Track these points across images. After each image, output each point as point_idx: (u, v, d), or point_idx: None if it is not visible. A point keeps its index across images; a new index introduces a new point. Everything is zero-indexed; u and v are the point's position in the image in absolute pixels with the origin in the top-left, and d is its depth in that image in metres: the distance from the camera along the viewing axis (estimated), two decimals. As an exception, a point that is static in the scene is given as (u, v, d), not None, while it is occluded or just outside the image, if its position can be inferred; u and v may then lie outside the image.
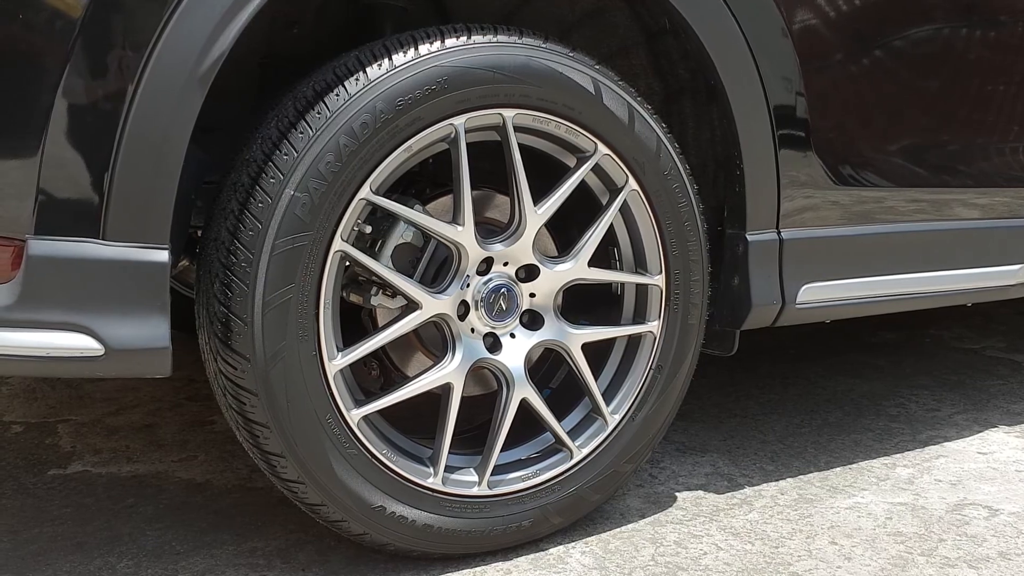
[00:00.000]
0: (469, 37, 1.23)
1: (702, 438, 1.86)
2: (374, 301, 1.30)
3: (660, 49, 1.53)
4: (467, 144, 1.24)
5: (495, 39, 1.24)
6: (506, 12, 1.55)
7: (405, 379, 1.31)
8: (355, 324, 1.35)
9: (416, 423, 1.37)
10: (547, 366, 1.48)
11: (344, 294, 1.30)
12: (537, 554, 1.37)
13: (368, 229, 1.25)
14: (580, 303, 1.44)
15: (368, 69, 1.18)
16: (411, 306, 1.27)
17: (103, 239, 1.08)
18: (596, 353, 1.42)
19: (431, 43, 1.21)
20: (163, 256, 1.10)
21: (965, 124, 1.68)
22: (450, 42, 1.22)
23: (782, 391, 2.15)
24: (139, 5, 1.06)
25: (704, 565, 1.35)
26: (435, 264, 1.33)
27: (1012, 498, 1.59)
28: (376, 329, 1.30)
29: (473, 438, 1.40)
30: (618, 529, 1.45)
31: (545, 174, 1.36)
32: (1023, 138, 1.76)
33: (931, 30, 1.59)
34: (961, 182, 1.72)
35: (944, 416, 2.01)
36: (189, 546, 1.41)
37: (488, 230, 1.34)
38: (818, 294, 1.59)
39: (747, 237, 1.49)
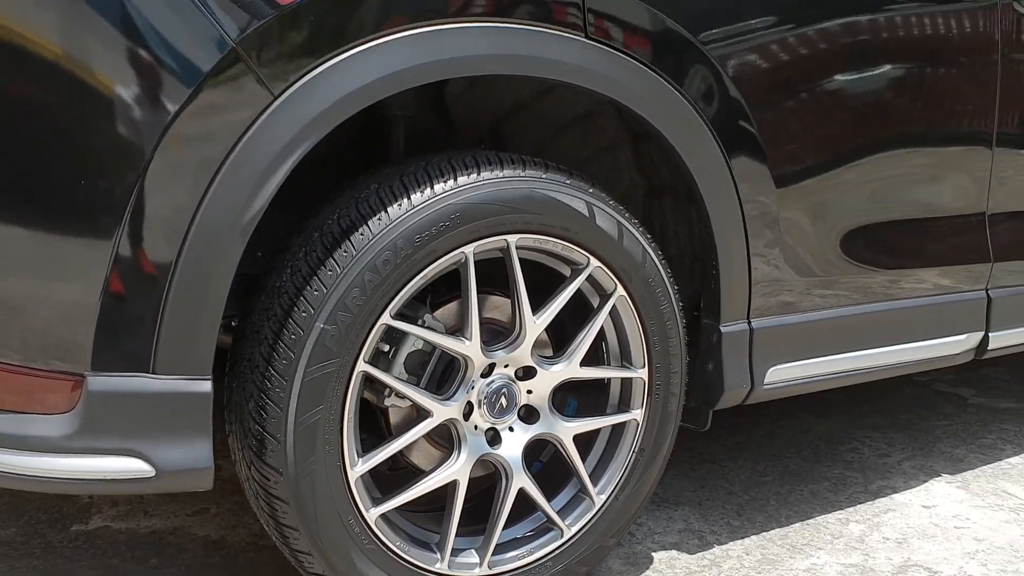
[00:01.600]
0: (479, 173, 1.36)
1: (675, 488, 2.03)
2: (387, 402, 1.43)
3: (644, 149, 1.67)
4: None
5: (502, 174, 1.37)
6: (503, 114, 1.67)
7: (416, 472, 1.46)
8: (368, 415, 1.49)
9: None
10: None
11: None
12: (531, 623, 1.53)
13: (386, 348, 1.39)
14: (572, 384, 1.59)
15: (389, 209, 1.30)
16: (423, 413, 1.41)
17: (153, 373, 1.20)
18: (584, 437, 1.58)
19: (445, 181, 1.33)
20: (206, 387, 1.23)
21: (911, 220, 1.85)
22: (462, 180, 1.34)
23: (747, 432, 2.33)
24: (189, 169, 1.17)
25: (679, 634, 1.52)
26: (442, 364, 1.46)
27: (950, 558, 1.78)
28: (388, 427, 1.45)
29: (469, 512, 1.54)
30: (600, 596, 1.63)
31: (542, 278, 1.50)
32: (963, 221, 1.93)
33: (873, 147, 1.74)
34: (909, 264, 1.89)
35: (894, 463, 2.20)
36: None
37: (490, 331, 1.48)
38: (783, 374, 1.75)
39: (721, 328, 1.65)
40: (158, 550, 1.76)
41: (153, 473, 1.22)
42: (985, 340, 2.03)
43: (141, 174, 1.14)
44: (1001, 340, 2.06)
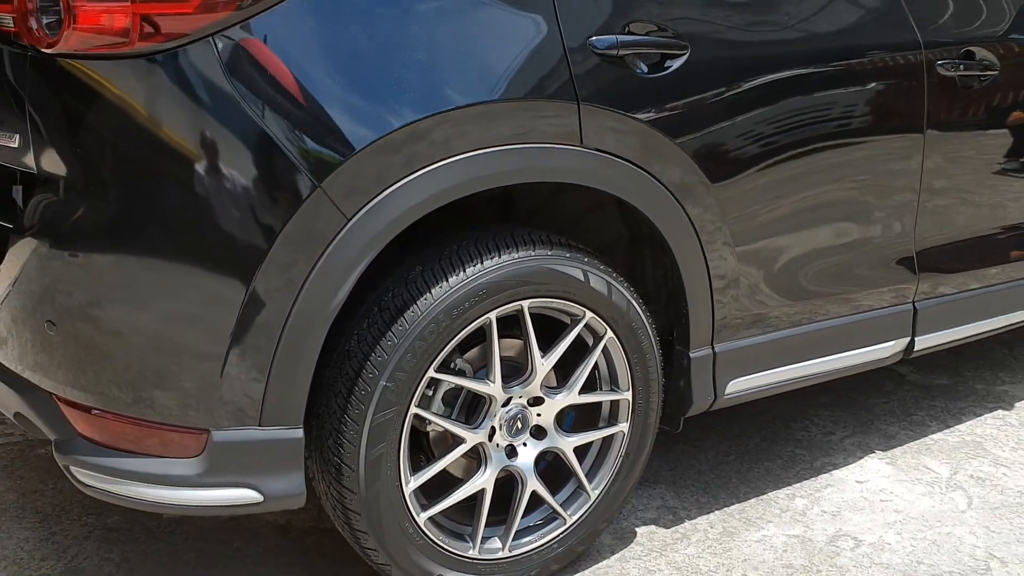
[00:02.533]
0: (500, 256, 1.73)
1: (654, 467, 2.46)
2: (429, 428, 1.84)
3: (628, 208, 2.02)
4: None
5: (517, 254, 1.75)
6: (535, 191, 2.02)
7: (451, 478, 1.87)
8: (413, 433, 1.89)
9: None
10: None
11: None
12: (542, 591, 1.97)
13: (430, 392, 1.78)
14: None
15: (432, 289, 1.68)
16: (457, 438, 1.81)
17: (260, 426, 1.60)
18: (582, 446, 1.99)
19: (473, 264, 1.71)
20: (299, 434, 1.62)
21: (849, 259, 2.23)
22: (487, 262, 1.72)
23: (715, 413, 2.75)
24: (289, 273, 1.53)
25: (656, 597, 1.97)
26: (470, 396, 1.86)
27: (873, 528, 2.22)
28: (429, 445, 1.85)
29: (491, 505, 1.95)
30: (595, 566, 2.06)
31: (546, 320, 1.89)
32: (893, 253, 2.32)
33: (816, 207, 2.11)
34: (842, 291, 2.27)
35: (836, 440, 2.64)
36: (291, 588, 1.98)
37: (507, 366, 1.87)
38: (740, 386, 2.16)
39: (690, 354, 2.05)
40: (237, 535, 2.17)
41: (262, 499, 1.62)
42: (911, 344, 2.45)
43: (254, 275, 1.51)
44: (924, 343, 2.48)
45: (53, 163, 1.53)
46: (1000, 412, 2.84)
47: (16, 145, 1.56)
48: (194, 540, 2.15)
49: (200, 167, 1.49)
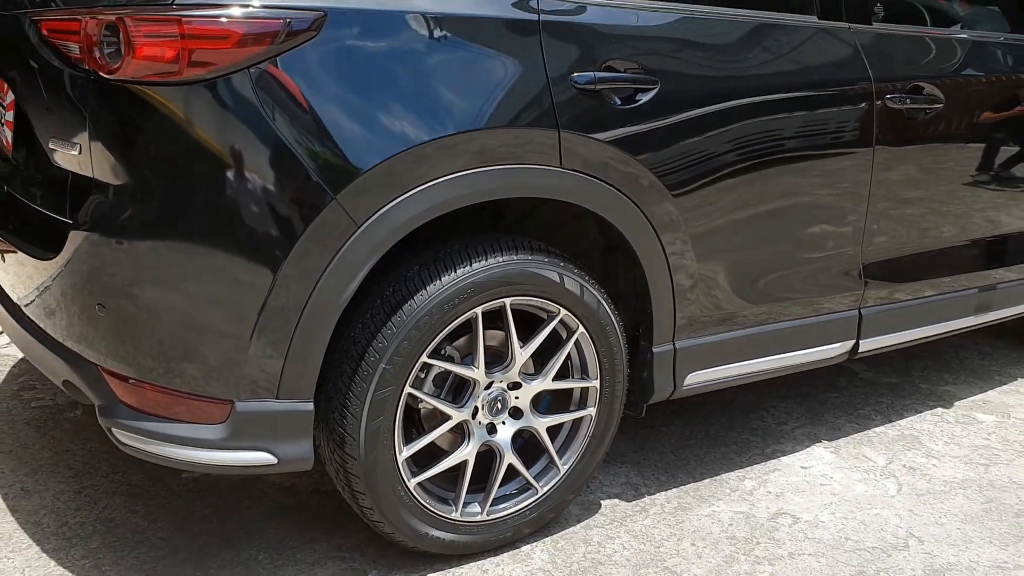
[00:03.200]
0: (487, 259, 2.00)
1: (621, 449, 2.74)
2: (420, 406, 2.11)
3: (603, 221, 2.28)
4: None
5: (502, 258, 2.02)
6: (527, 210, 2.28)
7: (438, 449, 2.15)
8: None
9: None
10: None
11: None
12: (514, 552, 2.25)
13: (423, 375, 2.05)
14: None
15: (428, 286, 1.95)
16: (444, 415, 2.09)
17: (277, 398, 1.87)
18: (554, 425, 2.27)
19: (464, 266, 1.98)
20: (310, 406, 1.90)
21: (801, 268, 2.51)
22: (476, 264, 1.99)
23: (681, 401, 3.03)
24: (307, 270, 1.79)
25: (615, 560, 2.25)
26: (457, 379, 2.13)
27: (810, 508, 2.51)
28: (420, 419, 2.13)
29: (476, 473, 2.23)
30: (563, 532, 2.34)
31: (527, 319, 2.16)
32: (842, 263, 2.59)
33: (771, 222, 2.39)
34: (794, 296, 2.55)
35: (788, 430, 2.92)
36: (297, 541, 2.26)
37: (490, 354, 2.14)
38: (698, 378, 2.44)
39: (653, 349, 2.32)
40: (247, 494, 2.45)
41: (276, 462, 1.90)
42: (856, 346, 2.73)
43: (278, 270, 1.78)
44: (868, 345, 2.76)
45: (108, 169, 1.79)
46: (939, 410, 3.12)
47: (77, 153, 1.82)
48: (209, 497, 2.43)
49: (234, 176, 1.75)
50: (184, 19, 1.69)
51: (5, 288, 2.24)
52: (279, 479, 2.51)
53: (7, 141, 2.13)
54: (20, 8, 1.93)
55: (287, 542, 2.26)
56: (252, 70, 1.72)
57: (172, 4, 1.70)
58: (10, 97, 2.09)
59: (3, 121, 2.15)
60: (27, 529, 2.27)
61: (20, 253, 2.03)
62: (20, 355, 3.22)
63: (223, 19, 1.70)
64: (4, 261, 2.12)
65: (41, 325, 2.04)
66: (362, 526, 2.28)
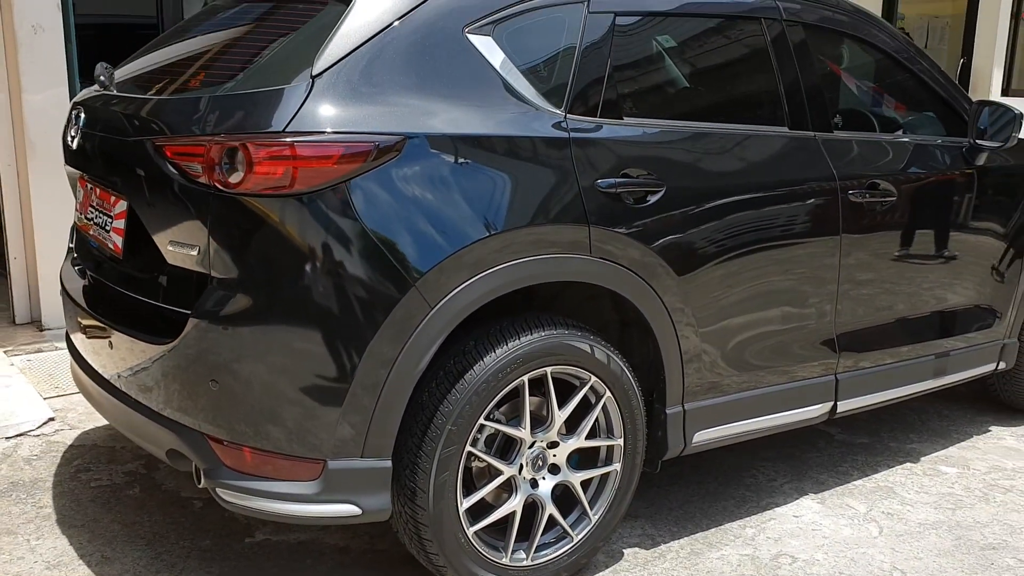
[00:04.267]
0: (532, 333, 2.37)
1: (634, 506, 3.06)
2: (472, 464, 2.44)
3: (618, 299, 2.67)
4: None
5: (543, 332, 2.39)
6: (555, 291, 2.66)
7: (487, 509, 2.46)
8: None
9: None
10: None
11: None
12: (555, 593, 2.56)
13: (478, 436, 2.39)
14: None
15: (485, 358, 2.30)
16: (495, 471, 2.42)
17: (362, 457, 2.19)
18: (586, 480, 2.60)
19: (513, 340, 2.34)
20: (389, 464, 2.22)
21: (786, 340, 2.92)
22: (524, 338, 2.35)
23: (681, 464, 3.38)
24: (389, 347, 2.15)
25: (642, 597, 2.56)
26: (505, 438, 2.47)
27: (806, 549, 2.86)
28: (472, 475, 2.45)
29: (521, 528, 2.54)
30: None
31: (558, 386, 2.52)
32: (818, 336, 3.01)
33: (758, 303, 2.81)
34: (781, 364, 2.95)
35: (778, 486, 3.28)
36: (361, 592, 2.54)
37: (533, 417, 2.48)
38: (705, 436, 2.81)
39: (666, 411, 2.69)
40: (307, 555, 2.73)
41: (360, 512, 2.21)
42: (835, 407, 3.13)
43: (366, 348, 2.12)
44: (845, 406, 3.16)
45: (224, 267, 2.15)
46: (908, 464, 3.51)
47: (196, 253, 2.18)
48: (275, 558, 2.70)
49: (333, 271, 2.12)
50: (295, 143, 2.08)
51: (101, 370, 2.54)
52: (334, 541, 2.79)
53: (116, 246, 2.47)
54: (144, 136, 2.30)
55: (352, 593, 2.54)
56: (348, 183, 2.11)
57: (284, 131, 2.09)
58: (119, 208, 2.44)
59: (110, 229, 2.49)
60: (116, 590, 2.52)
61: (130, 339, 2.35)
62: (70, 442, 3.47)
63: (328, 142, 2.09)
64: (112, 348, 2.43)
65: (144, 401, 2.35)
66: (416, 574, 2.57)
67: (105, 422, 3.64)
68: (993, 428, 3.90)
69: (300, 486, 2.19)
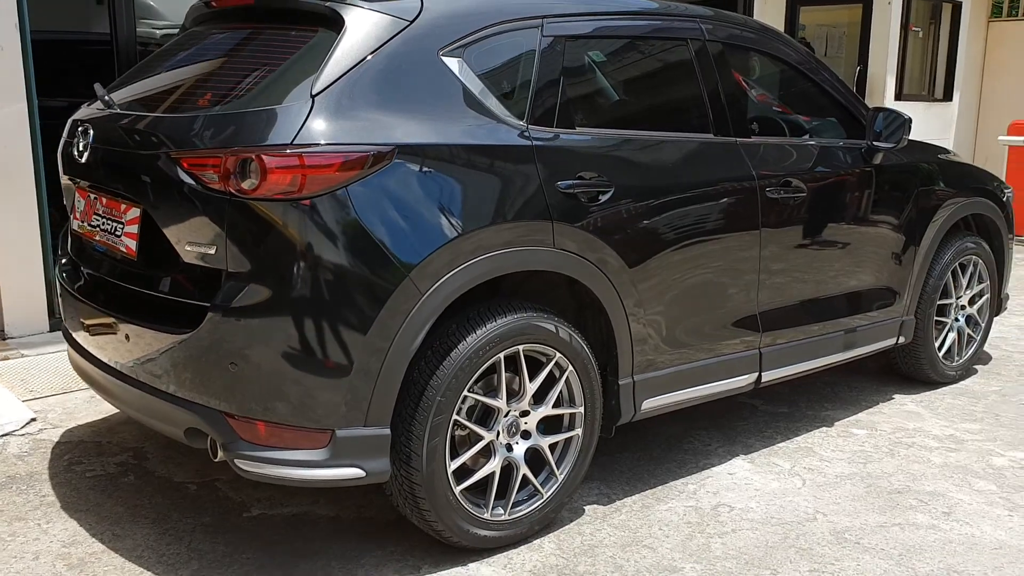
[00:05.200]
0: (505, 316, 2.73)
1: (589, 472, 3.44)
2: (456, 432, 2.78)
3: (575, 286, 3.05)
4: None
5: (515, 316, 2.75)
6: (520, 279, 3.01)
7: (468, 472, 2.81)
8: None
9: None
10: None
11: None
12: (528, 544, 2.91)
13: (462, 406, 2.73)
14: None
15: (467, 337, 2.65)
16: (475, 436, 2.77)
17: (365, 426, 2.51)
18: (553, 443, 2.97)
19: (490, 322, 2.69)
20: (388, 431, 2.55)
21: (718, 318, 3.35)
22: (500, 320, 2.71)
23: (626, 435, 3.78)
24: (386, 330, 2.47)
25: (605, 544, 2.94)
26: (484, 408, 2.81)
27: (741, 499, 3.28)
28: (454, 442, 2.78)
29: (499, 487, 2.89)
30: (561, 528, 3.02)
31: (531, 363, 2.88)
32: (744, 314, 3.45)
33: (696, 287, 3.23)
34: (715, 339, 3.37)
35: (713, 450, 3.71)
36: (357, 552, 2.85)
37: (507, 388, 2.83)
38: (652, 404, 3.21)
39: (619, 382, 3.08)
40: (302, 524, 3.02)
41: (364, 475, 2.53)
42: (759, 378, 3.57)
43: (368, 330, 2.45)
44: (768, 376, 3.61)
45: (240, 263, 2.44)
46: (824, 428, 3.99)
47: (213, 252, 2.46)
48: (273, 529, 2.99)
49: (338, 262, 2.43)
50: (304, 154, 2.39)
51: (112, 362, 2.80)
52: (326, 511, 3.09)
53: (129, 248, 2.73)
54: (160, 149, 2.57)
55: (349, 554, 2.85)
56: (348, 188, 2.43)
57: (292, 143, 2.40)
58: (131, 215, 2.71)
59: (121, 234, 2.75)
60: (133, 560, 2.78)
61: (148, 331, 2.62)
62: (56, 439, 3.68)
63: (329, 152, 2.41)
64: (129, 341, 2.69)
65: (161, 386, 2.62)
66: (405, 538, 2.90)
67: (87, 420, 3.87)
68: (896, 396, 4.42)
69: (311, 453, 2.50)
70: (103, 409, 3.98)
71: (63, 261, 3.25)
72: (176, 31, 3.41)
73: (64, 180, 3.13)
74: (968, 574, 2.83)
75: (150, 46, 5.33)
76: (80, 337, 3.00)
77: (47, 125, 4.59)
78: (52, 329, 4.89)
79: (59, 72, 5.14)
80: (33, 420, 3.86)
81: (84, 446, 3.63)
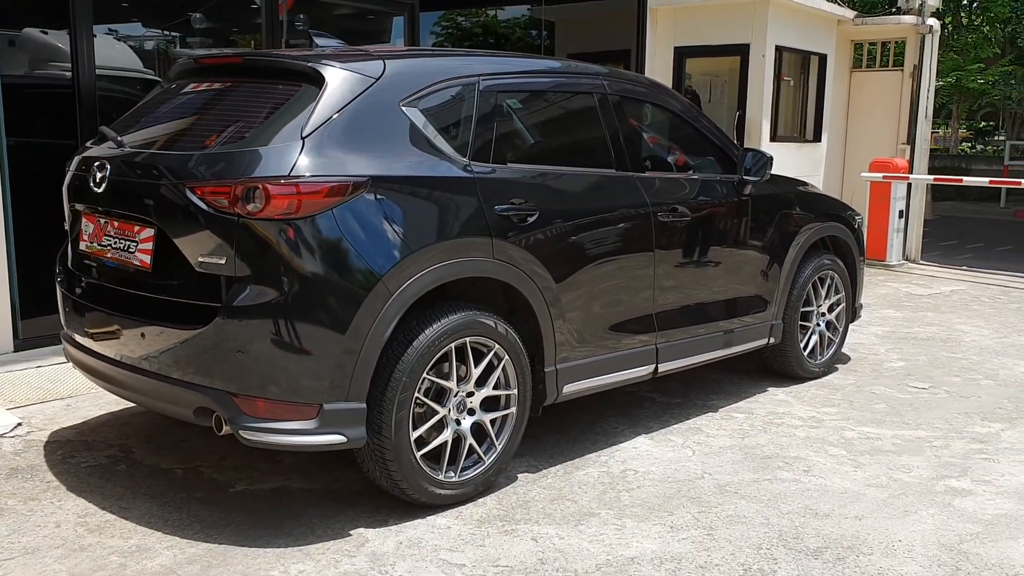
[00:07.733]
0: (455, 315, 3.39)
1: (520, 449, 4.11)
2: (417, 409, 3.41)
3: (510, 291, 3.73)
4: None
5: (464, 314, 3.41)
6: (468, 281, 3.67)
7: (423, 443, 3.44)
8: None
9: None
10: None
11: (402, 407, 3.40)
12: (472, 503, 3.56)
13: (422, 387, 3.37)
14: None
15: (426, 330, 3.30)
16: (431, 411, 3.41)
17: (346, 401, 3.13)
18: (493, 419, 3.63)
19: (443, 319, 3.35)
20: (364, 405, 3.17)
21: (623, 316, 4.09)
22: (451, 317, 3.37)
23: (549, 420, 4.47)
24: (364, 325, 3.10)
25: (536, 499, 3.61)
26: (438, 388, 3.46)
27: (643, 465, 4.00)
28: (414, 417, 3.41)
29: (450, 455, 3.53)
30: (499, 491, 3.68)
31: (475, 353, 3.54)
32: (643, 315, 4.21)
33: (601, 292, 3.97)
34: (621, 337, 4.11)
35: (619, 431, 4.44)
36: (334, 512, 3.44)
37: (456, 374, 3.49)
38: (571, 388, 3.92)
39: (544, 369, 3.78)
40: (282, 495, 3.59)
41: (345, 441, 3.14)
42: (656, 369, 4.33)
43: (350, 323, 3.07)
44: (664, 368, 4.37)
45: (244, 271, 3.04)
46: (710, 413, 4.77)
47: (223, 262, 3.06)
48: (257, 500, 3.55)
49: (325, 269, 3.06)
50: (299, 182, 3.02)
51: (124, 358, 3.33)
52: (299, 485, 3.67)
53: (143, 262, 3.28)
54: (177, 180, 3.15)
55: (327, 515, 3.43)
56: (334, 210, 3.07)
57: (289, 175, 3.03)
58: (144, 234, 3.27)
59: (135, 250, 3.30)
60: (144, 525, 3.30)
61: (163, 329, 3.18)
62: (45, 439, 4.13)
63: (319, 182, 3.05)
64: (144, 338, 3.24)
65: (173, 374, 3.17)
66: (372, 501, 3.50)
67: (70, 423, 4.35)
68: (770, 388, 5.25)
69: (303, 424, 3.09)
70: (83, 415, 4.46)
71: (61, 277, 3.76)
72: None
73: (68, 207, 3.66)
74: (819, 510, 3.61)
75: (60, 88, 5.74)
76: (86, 337, 3.52)
77: None
78: (17, 349, 5.29)
79: (26, 110, 5.61)
80: (20, 424, 4.30)
81: (73, 444, 4.10)
